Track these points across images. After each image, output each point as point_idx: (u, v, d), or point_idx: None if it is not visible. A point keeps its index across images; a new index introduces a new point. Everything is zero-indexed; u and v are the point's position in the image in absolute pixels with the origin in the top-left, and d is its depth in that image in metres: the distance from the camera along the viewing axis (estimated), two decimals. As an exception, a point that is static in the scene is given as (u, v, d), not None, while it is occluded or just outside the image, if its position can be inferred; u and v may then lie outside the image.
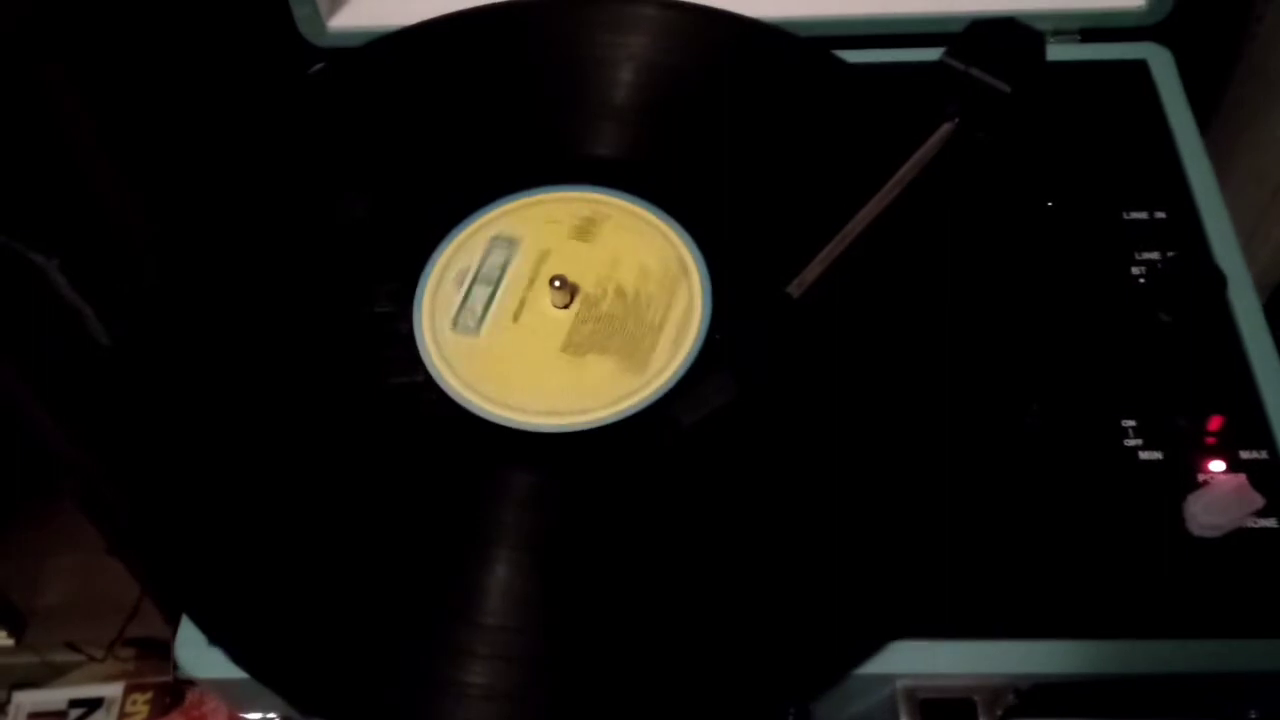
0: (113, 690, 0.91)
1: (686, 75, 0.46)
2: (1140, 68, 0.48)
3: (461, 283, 0.41)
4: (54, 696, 0.92)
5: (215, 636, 0.34)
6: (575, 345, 0.40)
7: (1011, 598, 0.35)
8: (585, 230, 0.42)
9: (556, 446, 0.38)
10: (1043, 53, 0.43)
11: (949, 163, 0.41)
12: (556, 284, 0.39)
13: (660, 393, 0.38)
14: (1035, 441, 0.38)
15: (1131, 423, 0.39)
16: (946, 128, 0.42)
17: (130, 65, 0.58)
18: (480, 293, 0.41)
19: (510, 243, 0.42)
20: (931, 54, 0.47)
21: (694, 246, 0.42)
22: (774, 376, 0.38)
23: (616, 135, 0.45)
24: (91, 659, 0.92)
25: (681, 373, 0.39)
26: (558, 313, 0.40)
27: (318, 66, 0.50)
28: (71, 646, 0.92)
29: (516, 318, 0.40)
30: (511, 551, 0.35)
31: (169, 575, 0.36)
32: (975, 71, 0.42)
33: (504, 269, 0.41)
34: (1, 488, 0.81)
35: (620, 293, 0.41)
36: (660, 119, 0.45)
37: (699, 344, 0.40)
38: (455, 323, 0.40)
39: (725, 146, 0.44)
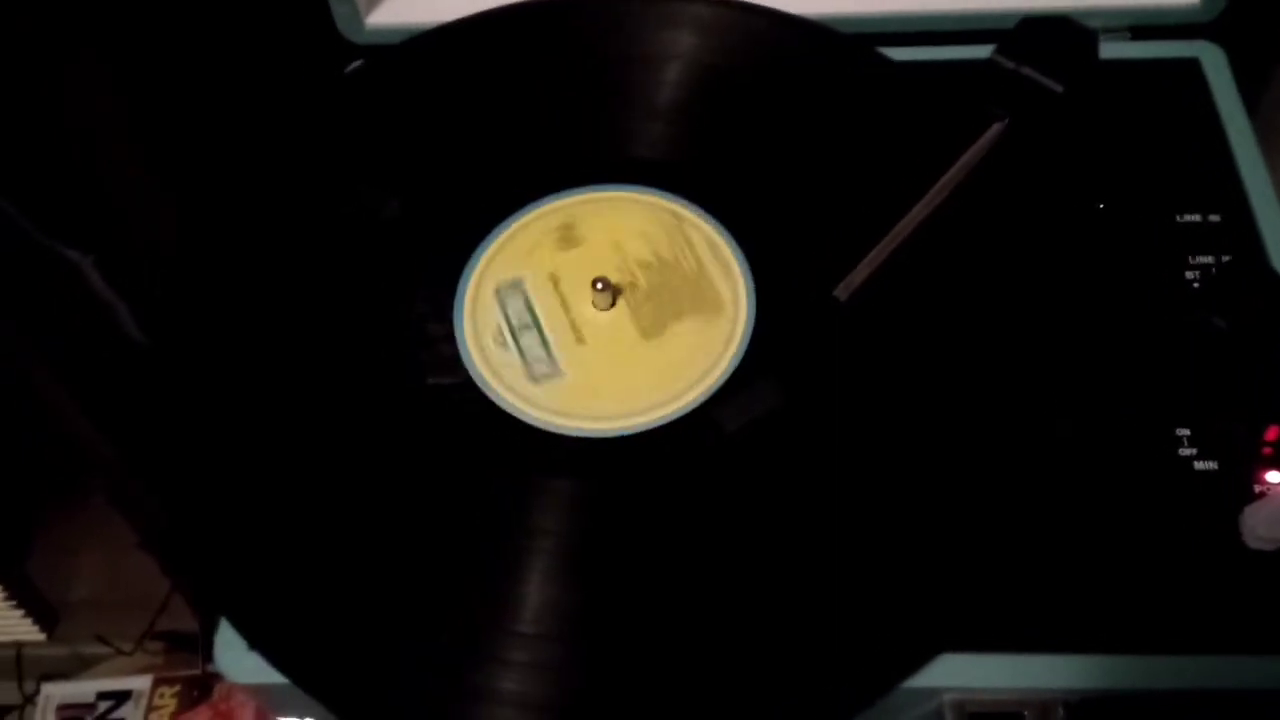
0: (141, 683, 0.92)
1: (722, 73, 0.45)
2: (1193, 66, 0.47)
3: (505, 343, 0.40)
4: (83, 689, 0.93)
5: (255, 641, 0.34)
6: (651, 329, 0.39)
7: (1062, 610, 0.34)
8: (568, 238, 0.42)
9: (599, 451, 0.37)
10: (1096, 52, 0.42)
11: (998, 164, 0.40)
12: (599, 286, 0.39)
13: (752, 318, 0.39)
14: (1085, 451, 0.37)
15: (1185, 431, 0.38)
16: (996, 128, 0.41)
17: (164, 62, 0.58)
18: (530, 340, 0.40)
19: (516, 285, 0.41)
20: (980, 51, 0.46)
21: (673, 197, 0.42)
22: (821, 382, 0.37)
23: (646, 136, 0.44)
24: (120, 652, 0.92)
25: (754, 289, 0.40)
26: (611, 315, 0.40)
27: (355, 64, 0.49)
28: (101, 639, 0.92)
29: (581, 340, 0.40)
30: (552, 559, 0.35)
31: (209, 578, 0.36)
32: (1026, 70, 0.41)
33: (532, 309, 0.40)
34: (33, 482, 0.81)
35: (645, 265, 0.41)
36: (700, 119, 0.44)
37: (742, 260, 0.40)
38: (534, 378, 0.39)
39: (764, 146, 0.43)
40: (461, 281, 0.41)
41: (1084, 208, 0.42)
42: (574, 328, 0.40)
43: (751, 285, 0.40)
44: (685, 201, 0.42)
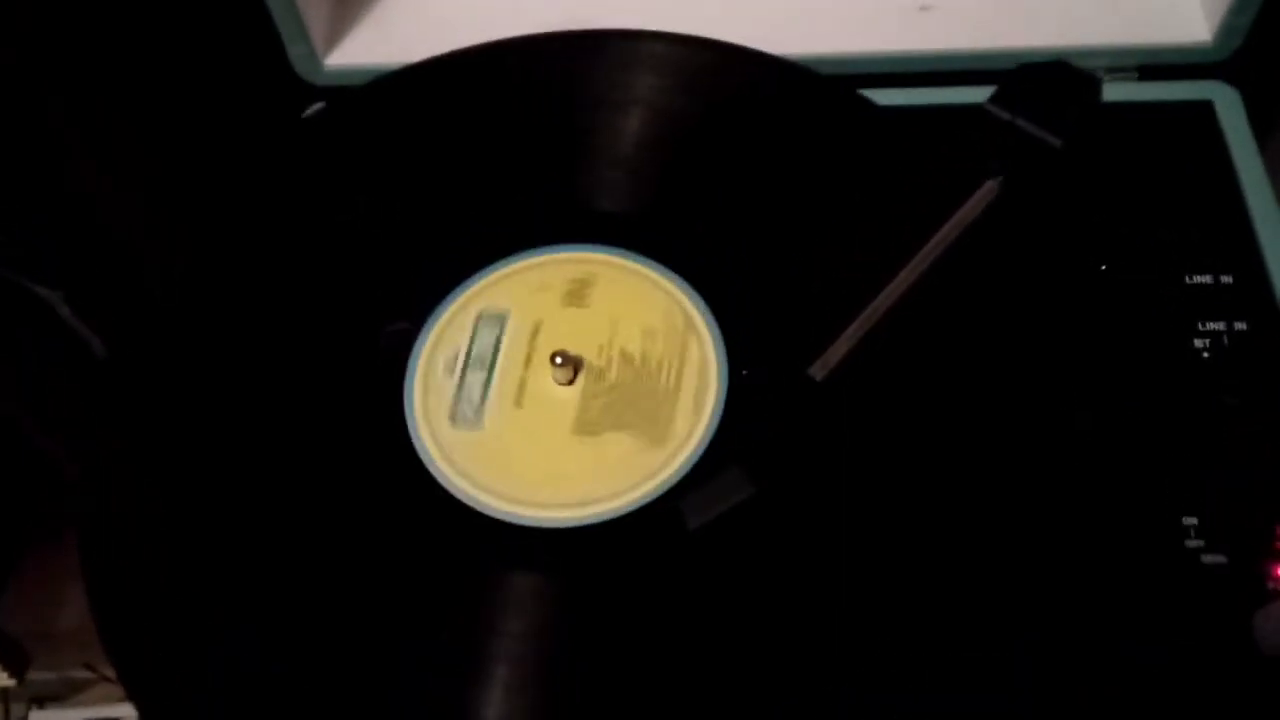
0: (127, 711, 0.90)
1: (692, 119, 0.42)
2: (1205, 109, 0.43)
3: (453, 370, 0.37)
4: (70, 716, 0.92)
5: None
6: (588, 425, 0.36)
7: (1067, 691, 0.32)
8: (578, 294, 0.39)
9: (554, 543, 0.34)
10: (1098, 100, 0.39)
11: (991, 225, 0.37)
12: (558, 360, 0.36)
13: (688, 465, 0.35)
14: (1084, 544, 0.34)
15: (1193, 521, 0.35)
16: (989, 186, 0.38)
17: (126, 102, 0.56)
18: (475, 379, 0.37)
19: (499, 318, 0.38)
20: (972, 94, 0.43)
21: (698, 298, 0.39)
22: (795, 469, 0.34)
23: (613, 186, 0.41)
24: (106, 679, 0.91)
25: (708, 438, 0.35)
26: (563, 391, 0.37)
27: (316, 107, 0.47)
28: (88, 667, 0.91)
29: (519, 402, 0.37)
30: (512, 666, 0.32)
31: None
32: (1022, 122, 0.38)
33: (496, 349, 0.38)
34: (19, 512, 0.80)
35: (626, 359, 0.37)
36: (662, 167, 0.41)
37: (721, 402, 0.36)
38: (454, 416, 0.36)
39: (733, 197, 0.40)
40: (451, 296, 0.39)
41: (1085, 270, 0.39)
42: (520, 388, 0.37)
43: (709, 437, 0.36)
44: (689, 287, 0.39)
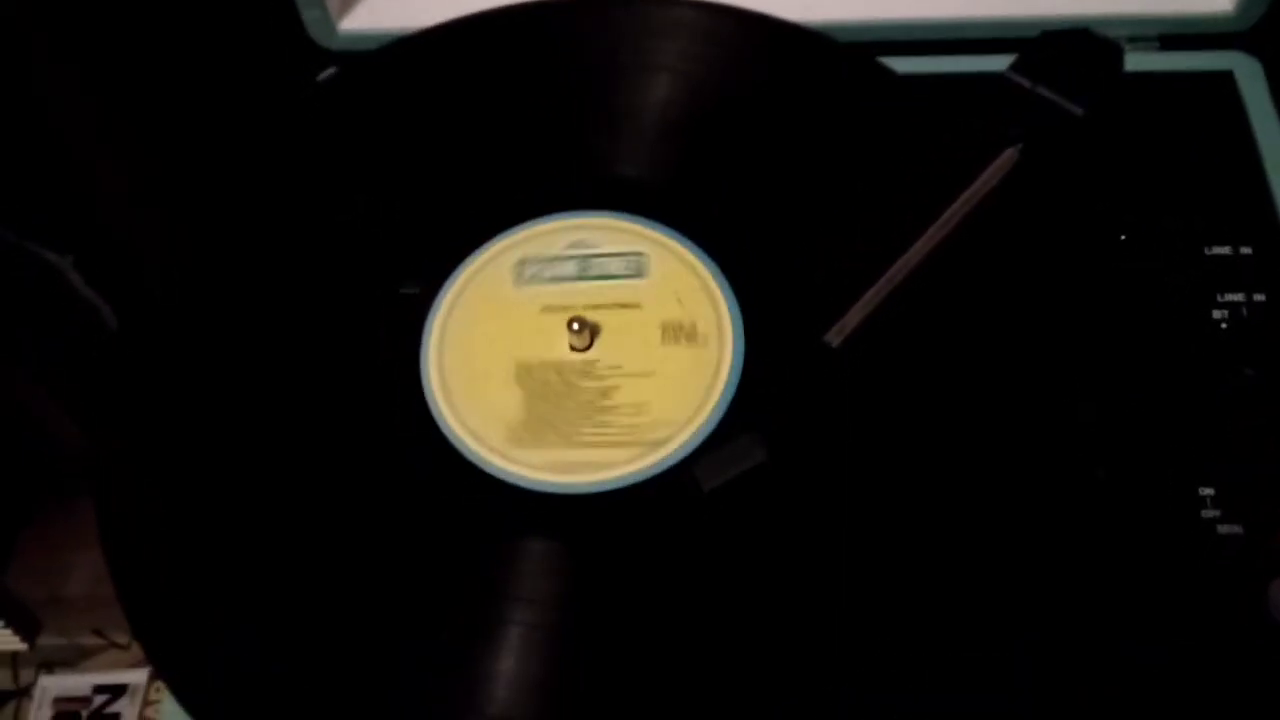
0: (137, 676, 0.91)
1: (710, 85, 0.41)
2: (1225, 80, 0.43)
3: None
4: (80, 682, 0.92)
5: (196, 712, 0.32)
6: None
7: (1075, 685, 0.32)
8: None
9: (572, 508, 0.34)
10: (1120, 69, 0.39)
11: (1011, 193, 0.37)
12: (575, 326, 0.36)
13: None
14: (1100, 510, 0.34)
15: (1209, 491, 0.35)
16: (1009, 153, 0.37)
17: (137, 65, 0.56)
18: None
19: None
20: (992, 63, 0.42)
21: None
22: (809, 436, 0.34)
23: (630, 153, 0.41)
24: (116, 645, 0.91)
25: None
26: (578, 356, 0.37)
27: (329, 71, 0.46)
28: (97, 633, 0.91)
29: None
30: (524, 629, 0.32)
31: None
32: (1043, 90, 0.38)
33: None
34: (27, 480, 0.80)
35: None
36: (677, 133, 0.41)
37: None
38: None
39: (751, 166, 0.40)
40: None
41: (1104, 241, 0.39)
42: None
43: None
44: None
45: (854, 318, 0.36)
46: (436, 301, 0.38)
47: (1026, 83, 0.38)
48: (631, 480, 0.34)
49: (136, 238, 0.65)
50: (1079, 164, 0.39)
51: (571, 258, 0.39)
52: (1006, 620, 0.32)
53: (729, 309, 0.37)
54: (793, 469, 0.34)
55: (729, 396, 0.36)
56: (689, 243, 0.39)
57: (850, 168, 0.39)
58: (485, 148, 0.42)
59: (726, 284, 0.38)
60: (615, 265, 0.38)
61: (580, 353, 0.37)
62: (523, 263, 0.39)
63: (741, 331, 0.37)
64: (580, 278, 0.38)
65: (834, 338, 0.35)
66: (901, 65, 0.42)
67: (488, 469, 0.35)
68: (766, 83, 0.41)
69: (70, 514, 0.85)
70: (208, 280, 0.40)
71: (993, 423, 0.35)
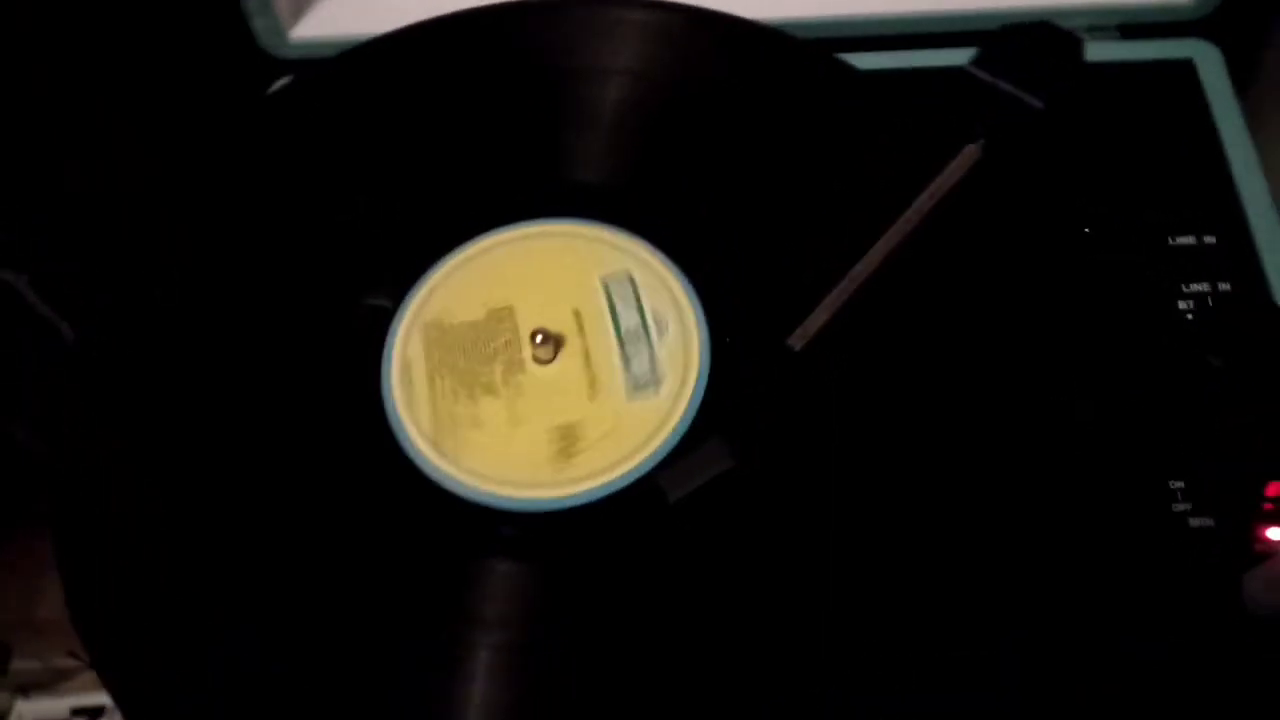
0: (114, 698, 0.89)
1: (663, 86, 0.41)
2: (1185, 68, 0.43)
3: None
4: (56, 705, 0.91)
5: None
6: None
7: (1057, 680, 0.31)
8: None
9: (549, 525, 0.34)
10: (1081, 61, 0.38)
11: (972, 189, 0.37)
12: (539, 339, 0.35)
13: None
14: (1071, 505, 0.34)
15: (1179, 484, 0.35)
16: (970, 150, 0.37)
17: (89, 76, 0.54)
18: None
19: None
20: (951, 57, 0.42)
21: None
22: (774, 441, 0.34)
23: (583, 156, 0.40)
24: (92, 667, 0.90)
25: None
26: (545, 369, 0.36)
27: (283, 81, 0.46)
28: (73, 655, 0.90)
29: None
30: (493, 653, 0.32)
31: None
32: (1004, 84, 0.37)
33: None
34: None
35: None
36: (631, 135, 0.40)
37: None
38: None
39: (707, 164, 0.39)
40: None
41: (1068, 234, 0.38)
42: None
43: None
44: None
45: (817, 320, 0.35)
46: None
47: (987, 77, 0.38)
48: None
49: (95, 253, 0.63)
50: (1041, 158, 0.38)
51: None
52: (983, 619, 0.32)
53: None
54: (760, 474, 0.33)
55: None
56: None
57: (811, 167, 0.39)
58: (447, 153, 0.41)
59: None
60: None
61: (541, 364, 0.36)
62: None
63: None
64: None
65: (796, 341, 0.35)
66: (862, 61, 0.42)
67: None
68: (723, 82, 0.41)
69: (43, 534, 0.83)
70: (166, 292, 0.39)
71: (962, 420, 0.34)
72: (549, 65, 0.42)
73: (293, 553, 0.34)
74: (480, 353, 0.36)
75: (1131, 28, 0.44)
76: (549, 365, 0.36)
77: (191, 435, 0.36)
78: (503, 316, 0.37)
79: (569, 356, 0.36)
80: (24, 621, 0.90)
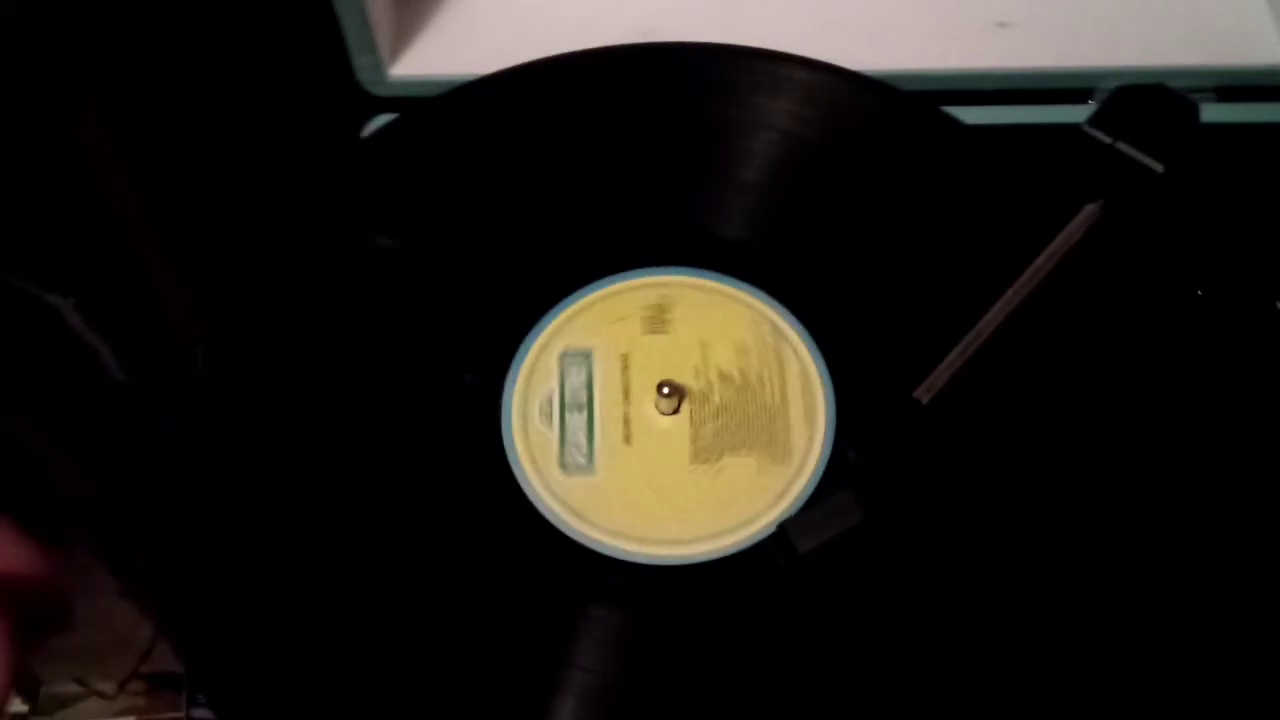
0: (122, 726, 0.88)
1: (771, 136, 0.41)
2: (1281, 131, 0.44)
3: (550, 416, 0.36)
4: (67, 733, 0.89)
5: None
6: (705, 452, 0.35)
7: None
8: (657, 320, 0.38)
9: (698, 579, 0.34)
10: (1197, 124, 0.39)
11: (1093, 249, 0.37)
12: (665, 390, 0.35)
13: (817, 474, 0.35)
14: (1192, 582, 0.34)
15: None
16: (1090, 209, 0.37)
17: (160, 103, 0.54)
18: (576, 423, 0.36)
19: (583, 355, 0.37)
20: (1049, 113, 0.43)
21: (779, 305, 0.38)
22: (902, 494, 0.34)
23: (687, 205, 0.40)
24: (99, 694, 0.88)
25: (829, 447, 0.35)
26: (669, 421, 0.36)
27: (385, 119, 0.45)
28: (80, 682, 0.88)
29: (628, 440, 0.36)
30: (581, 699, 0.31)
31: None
32: (1123, 146, 0.38)
33: (590, 387, 0.36)
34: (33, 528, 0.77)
35: (726, 378, 0.36)
36: (740, 185, 0.40)
37: (833, 410, 0.36)
38: (564, 464, 0.35)
39: (835, 224, 0.39)
40: (527, 340, 0.38)
41: (1181, 295, 0.39)
42: (625, 424, 0.36)
43: (829, 440, 0.35)
44: (774, 302, 0.38)
45: (943, 375, 0.35)
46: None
47: (1106, 138, 0.38)
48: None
49: (145, 276, 0.63)
50: (1158, 220, 0.39)
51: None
52: (1118, 686, 0.31)
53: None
54: (885, 528, 0.33)
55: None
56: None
57: (927, 219, 0.39)
58: (572, 194, 0.41)
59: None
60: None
61: (665, 414, 0.36)
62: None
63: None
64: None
65: (924, 394, 0.35)
66: (968, 115, 0.42)
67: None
68: (831, 132, 0.41)
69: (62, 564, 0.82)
70: (249, 336, 0.39)
71: (1080, 477, 0.34)
72: (684, 112, 0.42)
73: (409, 590, 0.33)
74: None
75: (1227, 90, 0.44)
76: (672, 417, 0.36)
77: (310, 489, 0.35)
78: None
79: (692, 409, 0.36)
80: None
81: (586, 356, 0.37)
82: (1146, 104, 0.39)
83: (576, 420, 0.36)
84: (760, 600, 0.33)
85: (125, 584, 0.79)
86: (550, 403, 0.36)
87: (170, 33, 0.52)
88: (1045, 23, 0.45)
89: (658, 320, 0.38)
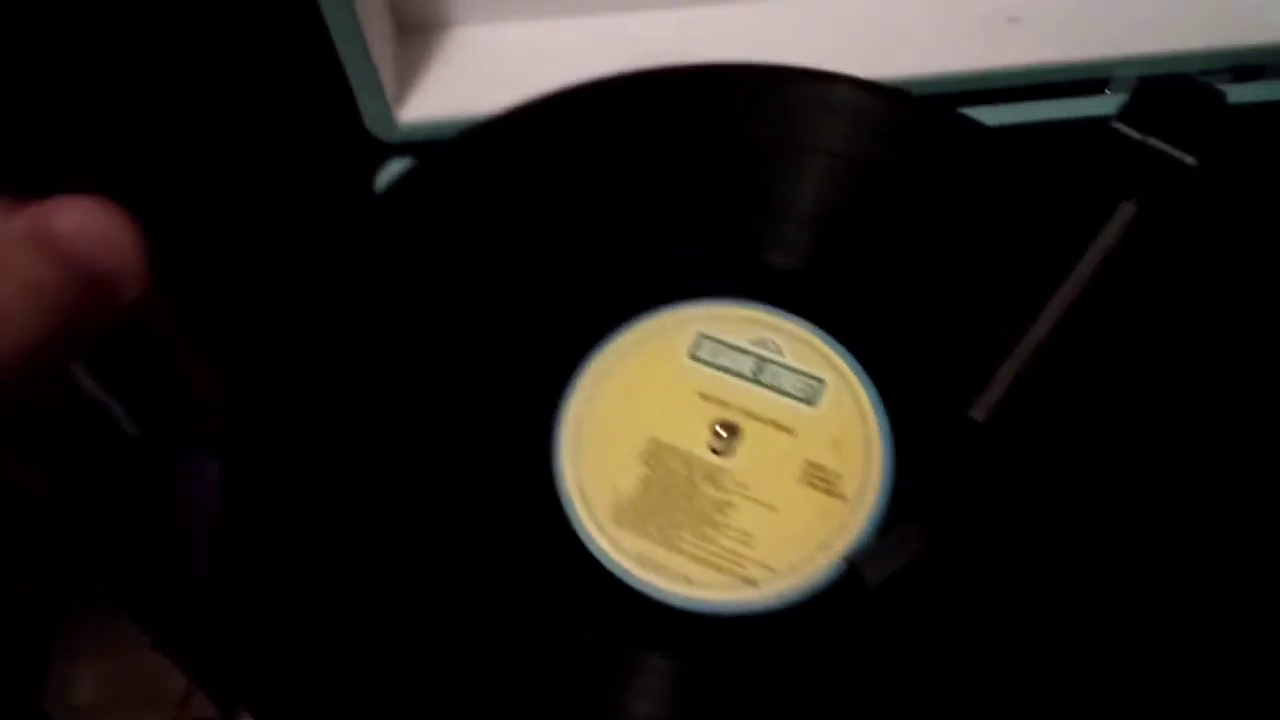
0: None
1: (794, 156, 0.40)
2: (1304, 107, 0.43)
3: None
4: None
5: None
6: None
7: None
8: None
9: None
10: (1225, 114, 0.38)
11: (1132, 247, 0.37)
12: (721, 431, 0.35)
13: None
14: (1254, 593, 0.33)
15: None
16: (1127, 208, 0.37)
17: (164, 155, 0.53)
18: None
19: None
20: (1066, 107, 0.42)
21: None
22: (968, 520, 0.33)
23: (714, 233, 0.39)
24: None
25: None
26: (724, 460, 0.35)
27: (395, 163, 0.44)
28: (113, 737, 0.87)
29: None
30: None
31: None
32: (1154, 141, 0.37)
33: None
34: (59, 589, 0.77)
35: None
36: (774, 207, 0.40)
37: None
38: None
39: (852, 232, 0.38)
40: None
41: (1218, 282, 0.38)
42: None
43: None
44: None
45: (996, 390, 0.35)
46: (602, 343, 0.37)
47: (1136, 134, 0.38)
48: (711, 607, 0.33)
49: (156, 333, 0.62)
50: (1193, 213, 0.38)
51: (751, 355, 0.37)
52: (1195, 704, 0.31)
53: (881, 478, 0.35)
54: (952, 556, 0.33)
55: (889, 478, 0.35)
56: (869, 383, 0.37)
57: (968, 234, 0.38)
58: (648, 212, 0.40)
59: (890, 443, 0.36)
60: (791, 382, 0.37)
61: (716, 456, 0.35)
62: (703, 338, 0.37)
63: (880, 403, 0.36)
64: (752, 380, 0.37)
65: (979, 413, 0.34)
66: (989, 115, 0.42)
67: (580, 534, 0.34)
68: (857, 146, 0.40)
69: (82, 624, 0.81)
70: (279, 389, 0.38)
71: (1145, 485, 0.34)
72: (761, 139, 0.41)
73: (455, 634, 0.33)
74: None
75: (1246, 70, 0.44)
76: (732, 458, 0.35)
77: (354, 541, 0.35)
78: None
79: (749, 446, 0.35)
80: (68, 710, 0.87)
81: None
82: (1172, 96, 0.38)
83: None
84: (831, 640, 0.33)
85: (156, 637, 0.79)
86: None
87: (176, 90, 0.51)
88: (1055, 15, 0.45)
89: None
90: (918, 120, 0.40)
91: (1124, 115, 0.38)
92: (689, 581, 0.33)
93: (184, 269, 0.55)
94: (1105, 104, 0.42)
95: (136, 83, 0.50)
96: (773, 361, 0.37)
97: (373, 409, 0.37)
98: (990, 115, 0.43)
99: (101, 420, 0.66)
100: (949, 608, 0.33)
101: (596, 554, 0.34)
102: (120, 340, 0.61)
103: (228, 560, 0.36)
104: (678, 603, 0.33)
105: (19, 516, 0.67)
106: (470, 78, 0.45)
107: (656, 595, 0.33)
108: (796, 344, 0.37)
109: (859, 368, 0.37)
